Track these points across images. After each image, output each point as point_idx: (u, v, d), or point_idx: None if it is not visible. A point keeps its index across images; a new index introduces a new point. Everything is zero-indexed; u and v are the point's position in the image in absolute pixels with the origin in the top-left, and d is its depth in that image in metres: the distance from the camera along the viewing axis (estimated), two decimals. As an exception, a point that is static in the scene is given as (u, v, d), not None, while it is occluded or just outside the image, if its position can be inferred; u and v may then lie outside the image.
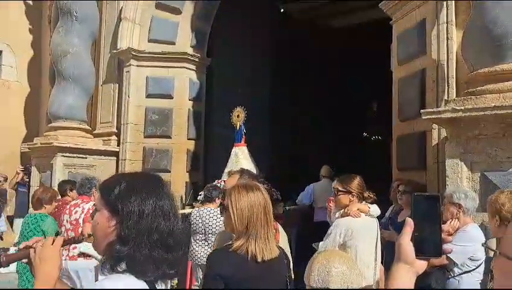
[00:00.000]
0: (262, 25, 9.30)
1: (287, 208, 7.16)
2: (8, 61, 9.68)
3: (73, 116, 7.23)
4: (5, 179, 7.96)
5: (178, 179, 7.34)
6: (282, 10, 9.22)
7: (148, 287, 1.20)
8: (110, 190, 1.27)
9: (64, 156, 6.88)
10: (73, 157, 7.00)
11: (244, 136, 6.28)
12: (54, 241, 1.36)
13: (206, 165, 7.97)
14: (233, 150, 6.14)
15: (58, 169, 6.80)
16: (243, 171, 2.75)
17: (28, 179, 7.83)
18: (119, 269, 1.19)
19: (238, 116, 6.21)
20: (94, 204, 1.38)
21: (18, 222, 7.48)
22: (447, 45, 4.31)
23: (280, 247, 2.13)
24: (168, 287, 1.34)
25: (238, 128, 6.15)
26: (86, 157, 7.14)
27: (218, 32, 8.18)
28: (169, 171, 7.37)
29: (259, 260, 1.92)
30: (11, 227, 8.03)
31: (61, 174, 6.80)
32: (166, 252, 1.23)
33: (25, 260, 1.38)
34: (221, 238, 2.41)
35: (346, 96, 11.83)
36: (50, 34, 8.10)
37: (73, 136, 7.11)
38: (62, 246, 1.37)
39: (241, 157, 5.97)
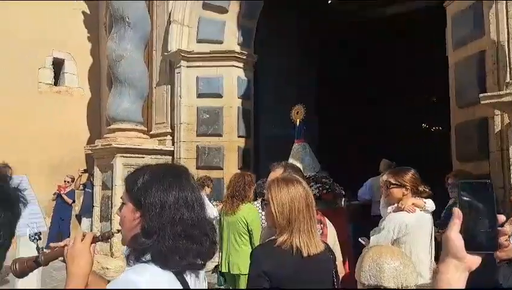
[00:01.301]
0: (308, 20, 9.17)
1: (347, 203, 7.02)
2: (70, 70, 10.30)
3: (129, 118, 7.54)
4: (72, 180, 8.49)
5: (229, 175, 7.43)
6: (329, 1, 9.01)
7: (175, 277, 1.20)
8: (134, 183, 1.28)
9: (123, 157, 7.19)
10: (132, 157, 7.30)
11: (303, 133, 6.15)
12: (84, 237, 1.38)
13: (256, 162, 8.01)
14: (294, 146, 6.05)
15: (118, 169, 7.12)
16: (286, 165, 2.71)
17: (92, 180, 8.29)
18: (143, 259, 1.19)
19: (297, 112, 6.13)
20: (121, 197, 1.39)
21: (85, 221, 7.96)
22: (507, 23, 4.00)
23: (324, 242, 2.07)
24: (200, 278, 1.32)
25: (298, 124, 6.06)
26: (143, 157, 7.42)
27: (263, 29, 8.18)
28: (222, 169, 7.49)
29: (304, 254, 1.87)
30: (79, 225, 8.58)
31: (121, 174, 7.12)
32: (192, 243, 1.22)
33: (61, 258, 1.41)
34: (266, 234, 2.39)
35: (401, 87, 11.41)
36: (106, 40, 8.49)
37: (131, 137, 7.42)
38: (93, 243, 1.38)
39: (302, 153, 5.88)
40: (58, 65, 10.14)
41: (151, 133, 7.99)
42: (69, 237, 8.00)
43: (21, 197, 0.75)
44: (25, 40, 9.16)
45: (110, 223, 7.05)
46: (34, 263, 1.38)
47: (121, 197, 1.36)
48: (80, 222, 8.95)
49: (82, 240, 1.36)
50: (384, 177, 3.16)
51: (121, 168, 7.17)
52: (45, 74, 9.85)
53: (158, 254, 1.18)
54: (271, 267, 1.87)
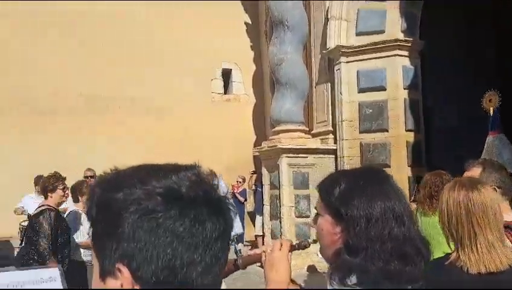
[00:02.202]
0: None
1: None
2: (237, 78, 11.12)
3: (292, 119, 7.72)
4: (244, 180, 9.11)
5: (399, 174, 6.94)
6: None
7: None
8: (330, 192, 1.15)
9: (288, 157, 7.39)
10: (296, 157, 7.45)
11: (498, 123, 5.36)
12: (281, 245, 1.35)
13: (428, 158, 7.31)
14: (488, 139, 5.33)
15: (284, 169, 7.35)
16: (485, 163, 2.26)
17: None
18: (348, 282, 1.05)
19: (490, 100, 5.37)
20: (315, 207, 1.28)
21: (258, 219, 8.44)
22: None
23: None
24: None
25: (491, 114, 5.31)
26: (307, 157, 7.51)
27: (428, 16, 7.44)
28: (389, 166, 7.05)
29: (482, 271, 1.54)
30: (253, 223, 9.14)
31: (287, 174, 7.34)
32: (405, 264, 1.04)
33: (258, 264, 1.41)
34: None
35: None
36: (267, 47, 8.90)
37: (294, 138, 7.59)
38: (290, 251, 1.35)
39: (499, 147, 5.13)
40: (226, 75, 11.05)
41: (313, 132, 8.03)
42: (243, 233, 8.66)
43: (230, 205, 0.71)
44: (198, 55, 10.24)
45: (280, 222, 7.30)
46: (233, 266, 1.41)
47: (315, 207, 1.26)
48: (251, 220, 9.56)
49: (280, 248, 1.34)
50: None
51: (286, 168, 7.38)
52: (216, 84, 10.84)
53: (366, 276, 1.03)
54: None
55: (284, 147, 7.31)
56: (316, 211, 1.25)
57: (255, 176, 8.92)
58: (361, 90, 7.39)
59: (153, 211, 0.63)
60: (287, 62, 7.65)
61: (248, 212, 9.48)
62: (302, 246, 1.45)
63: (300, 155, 7.46)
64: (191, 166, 0.72)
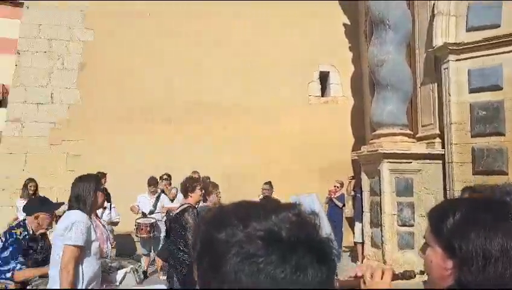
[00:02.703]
0: None
1: None
2: (334, 80, 10.95)
3: (394, 122, 7.37)
4: (341, 185, 8.93)
5: (519, 182, 6.25)
6: None
7: None
8: (442, 221, 1.05)
9: (390, 162, 7.07)
10: (398, 162, 7.10)
11: None
12: (383, 274, 1.28)
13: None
14: None
15: (385, 175, 7.05)
16: None
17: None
18: None
19: None
20: (424, 236, 1.18)
21: (358, 225, 8.21)
22: None
23: None
24: None
25: None
26: (411, 162, 7.11)
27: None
28: (506, 174, 6.38)
29: None
30: (352, 229, 8.92)
31: (388, 180, 7.03)
32: None
33: None
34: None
35: None
36: (367, 47, 8.63)
37: (397, 142, 7.23)
38: (392, 280, 1.28)
39: None
40: (324, 78, 10.94)
41: (417, 136, 7.59)
42: (341, 240, 8.49)
43: (334, 248, 0.69)
44: (295, 58, 10.31)
45: (381, 230, 7.02)
46: None
47: (424, 237, 1.17)
48: (350, 225, 9.34)
49: (381, 277, 1.28)
50: None
51: (388, 173, 7.07)
52: (313, 87, 10.79)
53: None
54: None
55: (386, 151, 7.01)
56: (424, 240, 1.16)
57: (353, 181, 8.69)
58: (472, 90, 6.80)
59: (254, 255, 0.63)
60: (388, 63, 7.33)
61: (346, 218, 9.28)
62: (407, 276, 1.36)
63: (403, 160, 7.10)
64: (292, 205, 0.70)
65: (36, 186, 6.68)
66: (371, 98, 8.16)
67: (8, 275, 3.17)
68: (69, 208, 3.04)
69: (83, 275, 2.84)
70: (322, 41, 10.49)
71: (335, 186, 8.87)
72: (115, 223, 6.52)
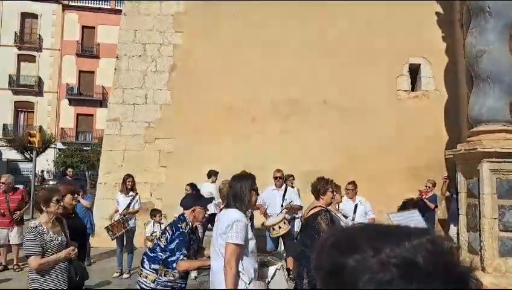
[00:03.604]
0: None
1: None
2: (425, 73, 10.32)
3: (495, 118, 6.73)
4: (433, 185, 8.40)
5: None
6: None
7: None
8: None
9: (491, 162, 6.48)
10: (501, 162, 6.48)
11: None
12: None
13: None
14: None
15: (485, 175, 6.47)
16: None
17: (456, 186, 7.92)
18: None
19: None
20: None
21: (453, 228, 7.68)
22: None
23: None
24: None
25: None
26: (515, 162, 6.45)
27: None
28: None
29: None
30: (445, 232, 8.36)
31: (488, 181, 6.46)
32: None
33: None
34: None
35: None
36: (463, 37, 7.99)
37: (499, 140, 6.60)
38: None
39: None
40: (414, 71, 10.36)
41: (523, 133, 6.85)
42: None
43: (474, 280, 0.62)
44: (383, 51, 9.88)
45: (479, 235, 6.48)
46: None
47: None
48: (443, 228, 8.75)
49: None
50: None
51: (488, 174, 6.48)
52: (402, 81, 10.27)
53: None
54: None
55: (486, 150, 6.43)
56: None
57: (448, 181, 8.12)
58: None
59: (389, 283, 0.59)
60: (489, 53, 6.71)
61: (438, 220, 8.71)
62: None
63: (506, 160, 6.46)
64: (425, 231, 0.65)
65: (133, 181, 7.16)
66: (468, 92, 7.55)
67: (175, 265, 3.42)
68: (227, 206, 3.17)
69: (244, 271, 2.97)
70: (412, 31, 9.93)
71: (426, 186, 8.37)
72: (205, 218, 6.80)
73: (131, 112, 10.04)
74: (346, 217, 5.95)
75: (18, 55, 31.61)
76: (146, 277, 3.57)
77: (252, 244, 3.09)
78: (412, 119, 9.80)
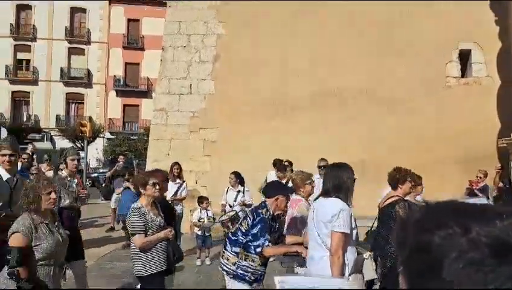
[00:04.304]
0: None
1: None
2: (477, 59, 9.88)
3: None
4: (485, 175, 8.07)
5: None
6: None
7: None
8: None
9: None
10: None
11: None
12: None
13: None
14: None
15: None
16: None
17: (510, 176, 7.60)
18: None
19: None
20: None
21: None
22: None
23: None
24: None
25: None
26: None
27: None
28: None
29: None
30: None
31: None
32: None
33: None
34: None
35: None
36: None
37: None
38: None
39: None
40: (464, 56, 9.94)
41: None
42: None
43: None
44: (431, 37, 9.54)
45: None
46: None
47: None
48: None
49: None
50: None
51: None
52: (452, 67, 9.89)
53: None
54: None
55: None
56: None
57: (502, 172, 7.78)
58: None
59: (480, 263, 0.57)
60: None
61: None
62: None
63: None
64: None
65: (180, 169, 7.36)
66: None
67: (258, 250, 3.46)
68: (325, 195, 3.12)
69: (347, 261, 3.00)
70: (462, 16, 9.51)
71: (478, 176, 8.05)
72: (249, 205, 6.90)
73: (177, 101, 10.28)
74: None
75: (68, 48, 33.03)
76: (227, 259, 3.67)
77: (354, 233, 3.10)
78: (462, 107, 9.44)
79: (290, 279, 1.99)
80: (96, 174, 23.48)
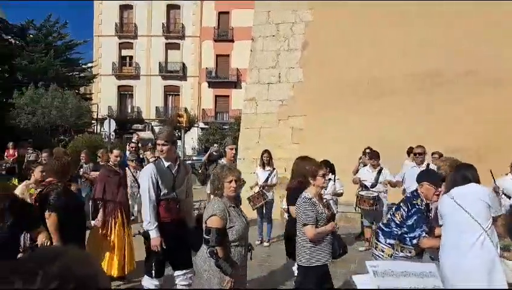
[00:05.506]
0: None
1: None
2: None
3: None
4: None
5: None
6: None
7: None
8: None
9: None
10: None
11: None
12: None
13: None
14: None
15: None
16: None
17: None
18: None
19: None
20: None
21: None
22: None
23: None
24: None
25: None
26: None
27: None
28: None
29: None
30: None
31: None
32: None
33: None
34: None
35: None
36: None
37: None
38: None
39: None
40: None
41: None
42: None
43: None
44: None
45: None
46: None
47: None
48: None
49: None
50: None
51: None
52: None
53: None
54: None
55: None
56: None
57: None
58: None
59: None
60: None
61: None
62: None
63: None
64: None
65: (270, 156, 7.53)
66: None
67: (414, 241, 3.41)
68: (463, 183, 3.30)
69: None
70: None
71: None
72: (340, 194, 6.85)
73: (266, 91, 10.49)
74: (509, 197, 5.37)
75: (165, 44, 35.19)
76: (382, 251, 3.62)
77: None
78: None
79: (381, 263, 2.01)
80: (191, 161, 24.93)
